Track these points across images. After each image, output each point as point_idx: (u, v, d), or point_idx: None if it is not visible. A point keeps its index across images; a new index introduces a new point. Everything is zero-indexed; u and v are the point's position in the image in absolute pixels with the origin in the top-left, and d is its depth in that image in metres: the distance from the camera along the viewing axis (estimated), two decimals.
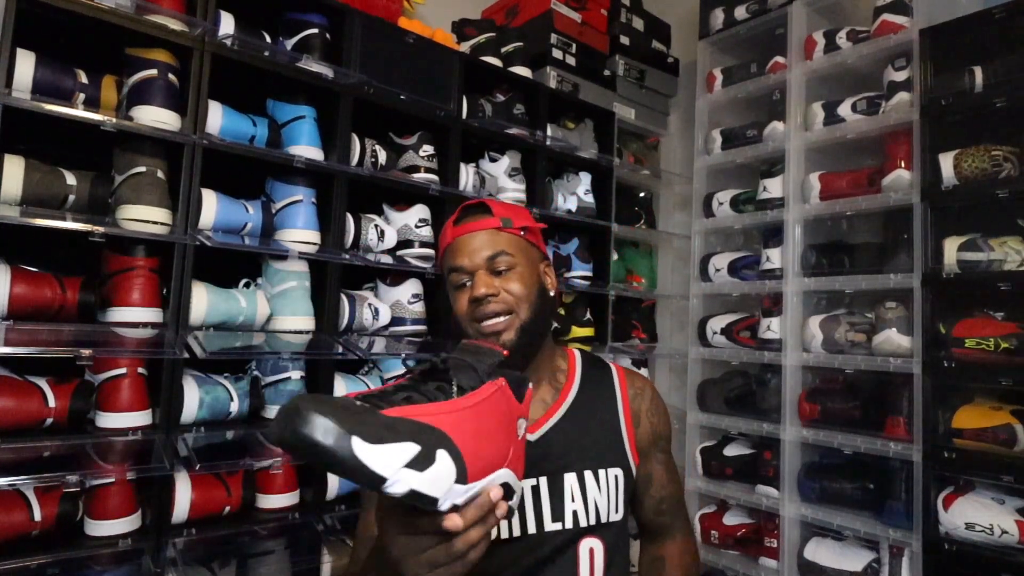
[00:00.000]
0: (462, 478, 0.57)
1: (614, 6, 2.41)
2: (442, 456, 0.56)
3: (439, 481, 0.55)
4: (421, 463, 0.54)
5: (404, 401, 0.59)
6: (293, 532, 1.49)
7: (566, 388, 1.04)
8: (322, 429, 0.50)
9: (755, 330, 2.09)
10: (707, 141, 2.31)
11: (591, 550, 0.96)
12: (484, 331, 0.94)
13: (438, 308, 1.77)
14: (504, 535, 0.94)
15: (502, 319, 0.95)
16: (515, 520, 0.94)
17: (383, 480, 0.52)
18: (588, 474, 0.98)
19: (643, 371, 2.37)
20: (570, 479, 0.97)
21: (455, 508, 0.58)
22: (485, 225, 0.98)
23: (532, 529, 0.95)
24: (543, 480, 0.96)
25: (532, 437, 0.98)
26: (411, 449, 0.53)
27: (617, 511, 0.99)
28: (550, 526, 0.95)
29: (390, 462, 0.52)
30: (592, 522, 0.96)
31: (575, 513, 0.96)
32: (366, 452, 0.51)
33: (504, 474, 0.64)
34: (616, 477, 0.99)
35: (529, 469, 0.96)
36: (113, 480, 1.24)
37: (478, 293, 0.94)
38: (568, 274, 2.10)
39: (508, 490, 0.65)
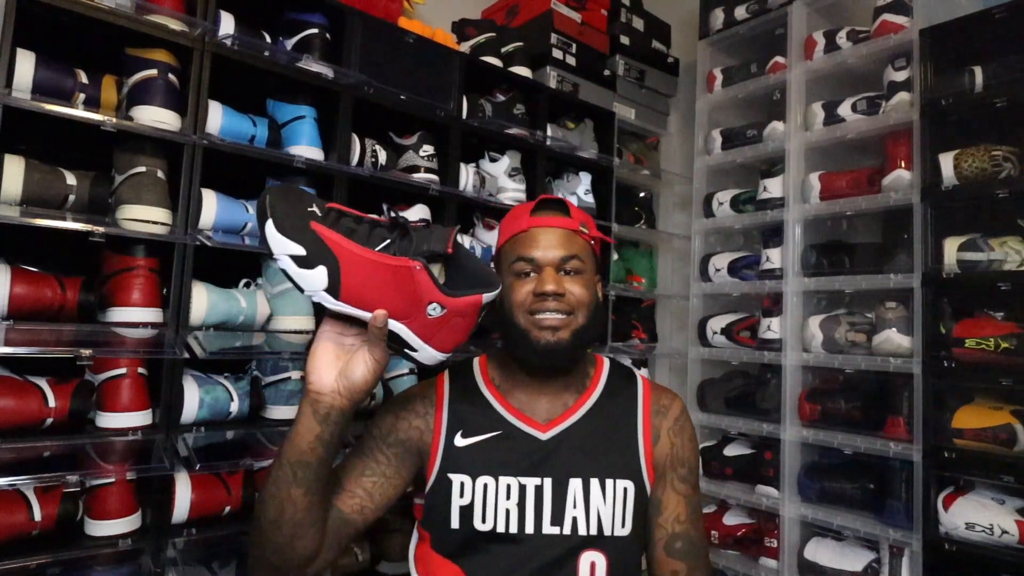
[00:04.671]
0: (332, 292, 0.80)
1: (614, 6, 2.41)
2: (320, 269, 0.79)
3: (307, 280, 0.79)
4: (301, 263, 0.79)
5: (344, 229, 0.81)
6: None
7: (588, 392, 1.03)
8: (262, 204, 0.79)
9: (755, 330, 2.09)
10: (707, 141, 2.31)
11: (592, 564, 0.93)
12: (540, 324, 0.94)
13: None
14: (501, 529, 0.93)
15: (560, 316, 0.94)
16: (513, 517, 0.93)
17: (272, 254, 0.79)
18: (595, 482, 0.95)
19: (643, 371, 2.37)
20: (575, 484, 0.95)
21: (323, 309, 0.82)
22: (564, 224, 0.98)
23: (530, 529, 0.93)
24: (547, 481, 0.95)
25: (544, 436, 0.97)
26: (299, 250, 0.78)
27: (624, 526, 0.95)
28: (548, 529, 0.93)
29: (280, 247, 0.78)
30: (593, 532, 0.93)
31: (575, 520, 0.93)
32: (270, 232, 0.78)
33: (397, 326, 0.82)
34: (625, 490, 0.96)
35: (536, 468, 0.96)
36: (113, 480, 1.24)
37: (546, 288, 0.93)
38: None
39: (403, 344, 0.84)
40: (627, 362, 2.29)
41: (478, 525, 0.94)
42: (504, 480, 0.94)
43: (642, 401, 1.04)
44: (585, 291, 0.96)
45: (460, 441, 0.97)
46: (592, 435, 0.99)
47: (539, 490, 0.94)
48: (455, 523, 0.95)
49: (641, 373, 1.11)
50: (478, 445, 0.97)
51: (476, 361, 1.08)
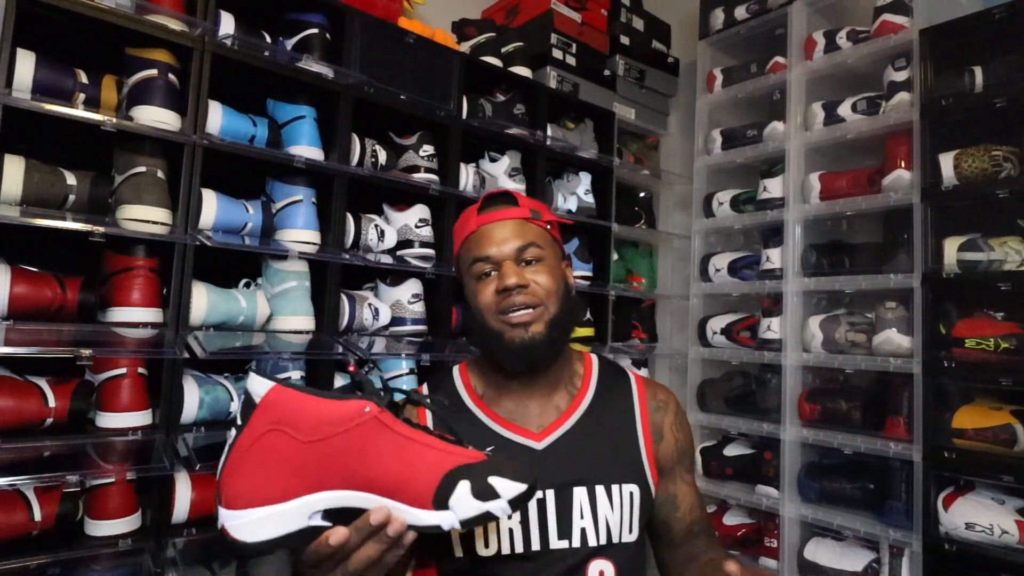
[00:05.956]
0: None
1: (614, 6, 2.41)
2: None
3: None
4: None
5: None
6: None
7: (580, 394, 0.98)
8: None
9: (755, 330, 2.09)
10: (707, 141, 2.31)
11: (601, 573, 0.90)
12: (512, 322, 0.89)
13: (438, 308, 1.77)
14: (506, 551, 0.89)
15: (530, 311, 0.90)
16: (518, 536, 0.89)
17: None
18: (600, 489, 0.91)
19: (643, 371, 2.37)
20: (580, 493, 0.90)
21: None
22: (513, 215, 0.94)
23: (536, 546, 0.89)
24: (550, 493, 0.90)
25: (540, 445, 0.93)
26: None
27: (631, 531, 0.92)
28: (556, 543, 0.89)
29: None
30: (603, 541, 0.90)
31: (583, 531, 0.89)
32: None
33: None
34: (631, 494, 0.92)
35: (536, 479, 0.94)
36: (113, 480, 1.24)
37: (508, 283, 0.89)
38: None
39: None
40: (627, 362, 2.29)
41: (481, 551, 0.89)
42: None
43: (638, 399, 1.00)
44: (550, 279, 0.92)
45: None
46: (591, 439, 0.94)
47: (542, 504, 0.89)
48: (458, 552, 0.90)
49: (631, 368, 1.07)
50: None
51: (456, 370, 1.02)
